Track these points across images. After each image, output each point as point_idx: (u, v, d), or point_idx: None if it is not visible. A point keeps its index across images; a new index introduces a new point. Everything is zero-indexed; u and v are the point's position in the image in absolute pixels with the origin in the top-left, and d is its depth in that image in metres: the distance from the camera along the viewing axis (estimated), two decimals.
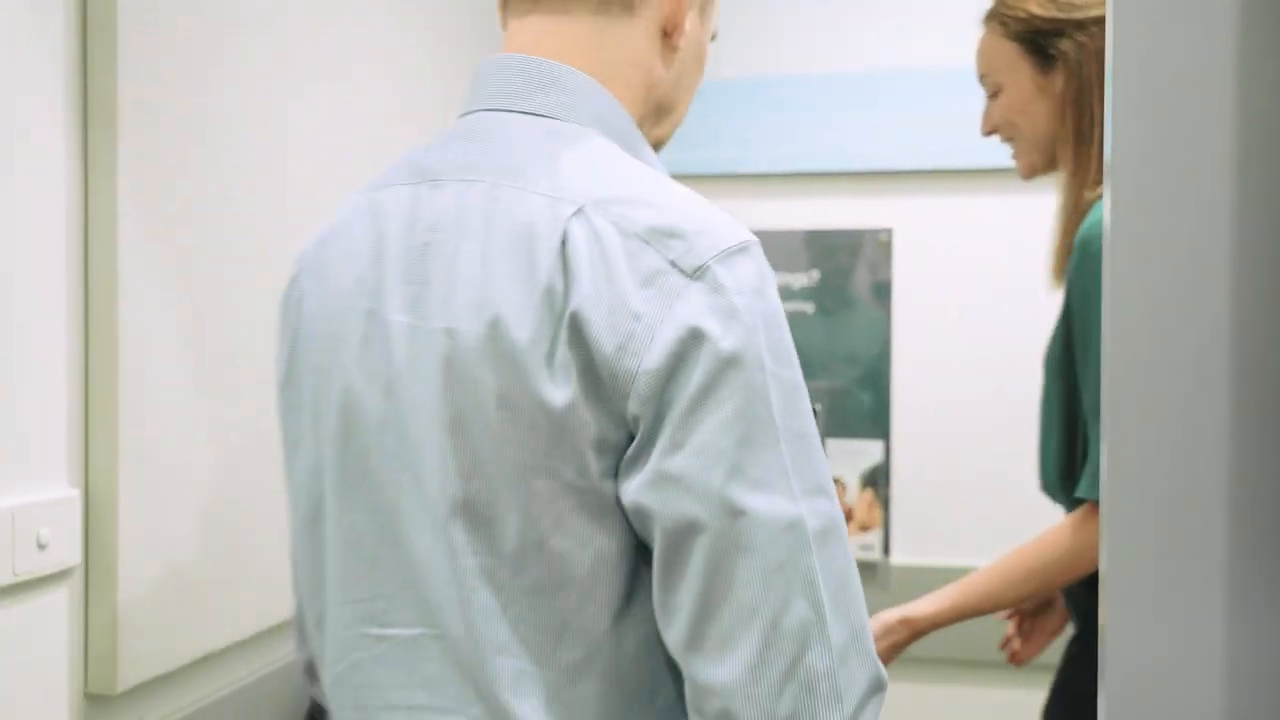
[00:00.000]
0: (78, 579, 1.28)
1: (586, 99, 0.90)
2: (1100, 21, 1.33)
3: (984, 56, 1.45)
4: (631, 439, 0.80)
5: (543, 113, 0.89)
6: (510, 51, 0.93)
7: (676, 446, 0.77)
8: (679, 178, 2.57)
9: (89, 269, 1.28)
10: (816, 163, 2.48)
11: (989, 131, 1.51)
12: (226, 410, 1.46)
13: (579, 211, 0.80)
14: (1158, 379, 0.54)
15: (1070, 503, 1.45)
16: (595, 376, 0.78)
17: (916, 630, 1.45)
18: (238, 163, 1.49)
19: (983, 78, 1.47)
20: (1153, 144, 0.54)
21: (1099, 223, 1.32)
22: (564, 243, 0.79)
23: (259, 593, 1.54)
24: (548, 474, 0.80)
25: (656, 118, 0.99)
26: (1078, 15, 1.35)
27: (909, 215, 2.48)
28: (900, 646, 1.45)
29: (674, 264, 0.79)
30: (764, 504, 0.77)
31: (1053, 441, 1.44)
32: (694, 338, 0.77)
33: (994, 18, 1.42)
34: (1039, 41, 1.38)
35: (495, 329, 0.80)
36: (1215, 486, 0.53)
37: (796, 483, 0.78)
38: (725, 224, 0.83)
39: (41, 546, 1.21)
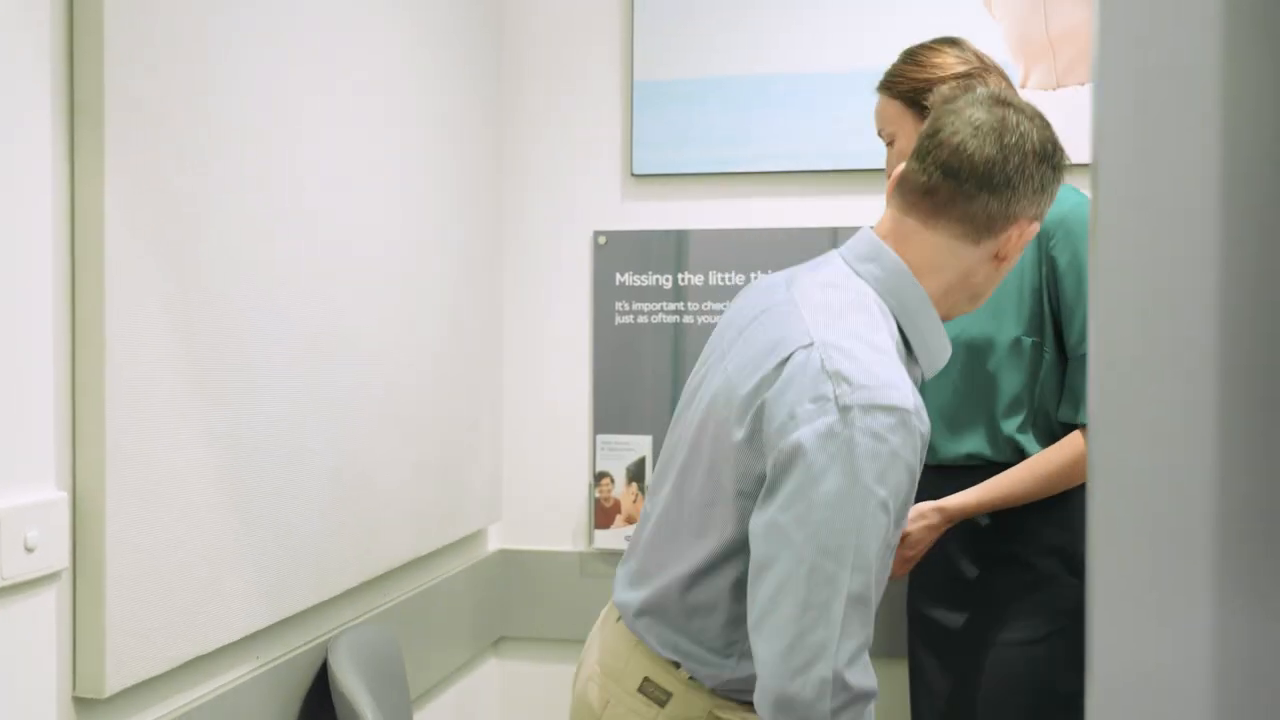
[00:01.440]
0: (65, 582, 1.27)
1: (893, 277, 1.36)
2: (962, 76, 1.73)
3: (879, 115, 1.85)
4: (763, 481, 1.27)
5: (860, 274, 1.37)
6: (876, 228, 1.40)
7: (785, 509, 1.23)
8: (690, 176, 2.52)
9: (75, 270, 1.28)
10: (825, 160, 2.46)
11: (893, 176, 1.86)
12: (215, 411, 1.46)
13: (809, 344, 1.26)
14: (1144, 377, 0.54)
15: (1024, 432, 1.78)
16: (758, 437, 1.28)
17: (949, 516, 1.74)
18: (228, 162, 1.47)
19: (880, 131, 1.86)
20: (1137, 142, 0.53)
21: (1068, 207, 1.72)
22: (788, 359, 1.27)
23: (247, 596, 1.53)
24: (719, 473, 1.33)
25: (969, 303, 1.41)
26: (940, 74, 1.76)
27: None
28: (936, 529, 1.74)
29: (836, 398, 1.22)
30: (824, 563, 1.21)
31: (1014, 386, 1.76)
32: (816, 442, 1.21)
33: (883, 85, 1.85)
34: (916, 97, 1.77)
35: (732, 386, 1.33)
36: (1203, 485, 0.53)
37: (853, 559, 1.21)
38: (891, 388, 1.23)
39: (29, 550, 1.20)
